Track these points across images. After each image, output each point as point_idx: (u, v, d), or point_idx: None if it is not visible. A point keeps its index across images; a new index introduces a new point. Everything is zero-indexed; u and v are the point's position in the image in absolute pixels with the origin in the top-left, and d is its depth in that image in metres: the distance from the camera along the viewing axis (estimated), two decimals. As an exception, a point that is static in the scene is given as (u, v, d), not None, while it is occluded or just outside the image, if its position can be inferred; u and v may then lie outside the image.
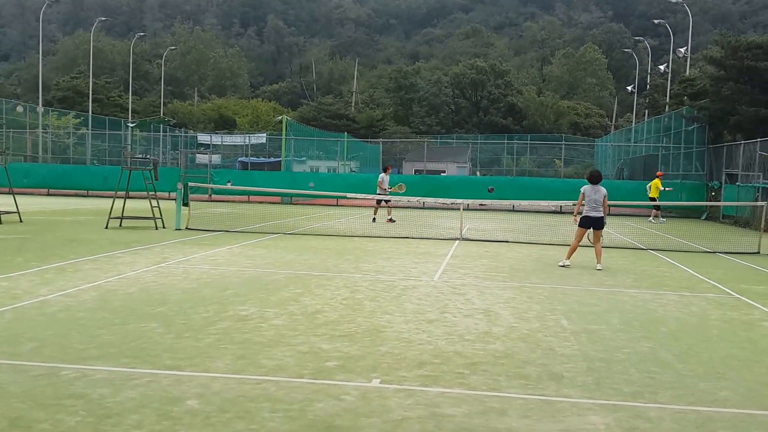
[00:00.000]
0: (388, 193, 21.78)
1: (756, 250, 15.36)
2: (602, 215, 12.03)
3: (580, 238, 12.20)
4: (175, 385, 5.01)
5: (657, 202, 24.53)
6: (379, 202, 22.04)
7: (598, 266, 11.85)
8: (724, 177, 28.17)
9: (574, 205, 12.69)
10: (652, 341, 6.78)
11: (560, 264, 12.07)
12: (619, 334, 7.05)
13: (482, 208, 29.97)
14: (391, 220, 21.56)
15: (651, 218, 26.12)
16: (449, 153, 60.01)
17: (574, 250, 12.22)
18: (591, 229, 12.15)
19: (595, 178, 12.13)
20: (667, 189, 25.75)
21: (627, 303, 8.82)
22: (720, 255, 15.03)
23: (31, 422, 4.23)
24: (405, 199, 25.09)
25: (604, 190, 12.05)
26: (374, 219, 21.77)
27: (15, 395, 4.69)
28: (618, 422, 4.54)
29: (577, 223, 12.22)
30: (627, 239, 18.19)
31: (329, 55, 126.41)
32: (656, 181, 25.39)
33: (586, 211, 12.06)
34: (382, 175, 21.79)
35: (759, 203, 19.29)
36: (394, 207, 23.75)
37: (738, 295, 9.68)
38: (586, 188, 12.07)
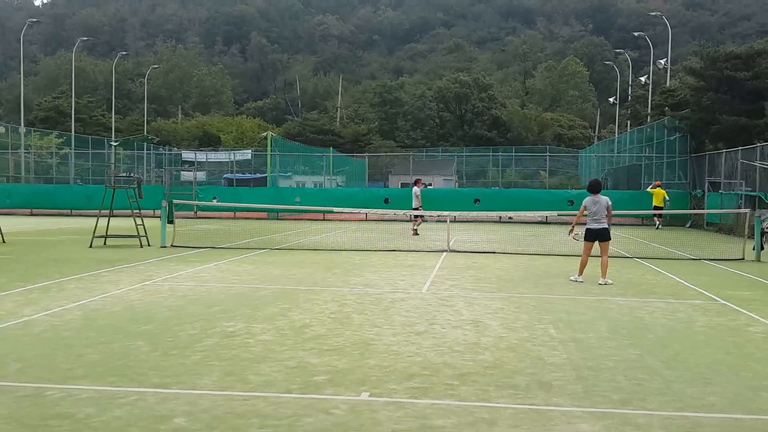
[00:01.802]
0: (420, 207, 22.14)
1: (740, 257, 15.51)
2: (605, 226, 11.53)
3: (587, 252, 11.72)
4: (162, 403, 4.96)
5: (661, 211, 25.61)
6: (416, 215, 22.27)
7: (601, 281, 11.33)
8: (707, 185, 28.47)
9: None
10: (639, 348, 6.81)
11: (572, 278, 11.65)
12: (607, 342, 7.08)
13: (471, 220, 30.03)
14: (415, 232, 21.85)
15: (658, 226, 27.03)
16: (435, 166, 60.29)
17: (585, 265, 11.71)
18: (598, 242, 11.61)
19: (594, 188, 11.74)
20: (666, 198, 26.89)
21: (614, 311, 8.86)
22: (705, 262, 15.15)
23: (16, 444, 4.17)
24: (392, 212, 25.12)
25: (605, 200, 11.58)
26: (416, 232, 21.87)
27: (0, 417, 4.63)
28: (607, 429, 4.55)
29: (578, 236, 11.94)
30: (612, 248, 18.27)
31: (313, 71, 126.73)
32: (662, 190, 26.61)
33: (588, 224, 11.68)
34: (417, 188, 22.27)
35: (742, 210, 19.49)
36: (387, 220, 23.76)
37: (724, 301, 9.76)
38: (587, 200, 11.63)
